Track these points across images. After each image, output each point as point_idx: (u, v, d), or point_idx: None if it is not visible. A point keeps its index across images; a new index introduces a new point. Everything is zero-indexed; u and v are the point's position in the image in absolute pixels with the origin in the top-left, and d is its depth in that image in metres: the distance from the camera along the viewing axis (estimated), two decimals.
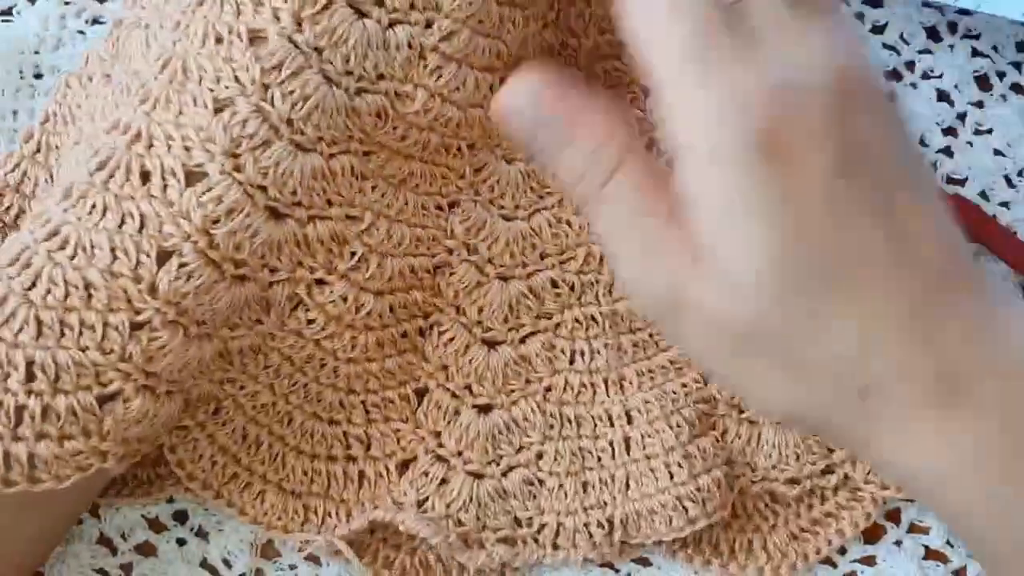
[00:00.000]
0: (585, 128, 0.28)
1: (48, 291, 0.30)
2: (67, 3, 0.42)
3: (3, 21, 0.42)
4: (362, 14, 0.31)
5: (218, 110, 0.30)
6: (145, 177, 0.30)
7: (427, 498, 0.36)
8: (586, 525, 0.36)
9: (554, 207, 0.38)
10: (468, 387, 0.37)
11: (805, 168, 0.26)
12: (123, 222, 0.30)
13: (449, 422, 0.37)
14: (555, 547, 0.37)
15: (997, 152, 0.42)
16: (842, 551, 0.38)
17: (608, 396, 0.37)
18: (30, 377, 0.29)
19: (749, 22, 0.27)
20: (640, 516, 0.36)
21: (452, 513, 0.36)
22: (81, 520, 0.37)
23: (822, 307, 0.26)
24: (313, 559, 0.37)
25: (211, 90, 0.30)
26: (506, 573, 0.37)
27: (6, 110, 0.40)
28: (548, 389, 0.38)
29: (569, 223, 0.38)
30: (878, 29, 0.43)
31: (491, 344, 0.38)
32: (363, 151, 0.33)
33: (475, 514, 0.36)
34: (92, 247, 0.30)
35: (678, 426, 0.37)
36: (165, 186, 0.30)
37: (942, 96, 0.43)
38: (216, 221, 0.30)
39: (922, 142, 0.42)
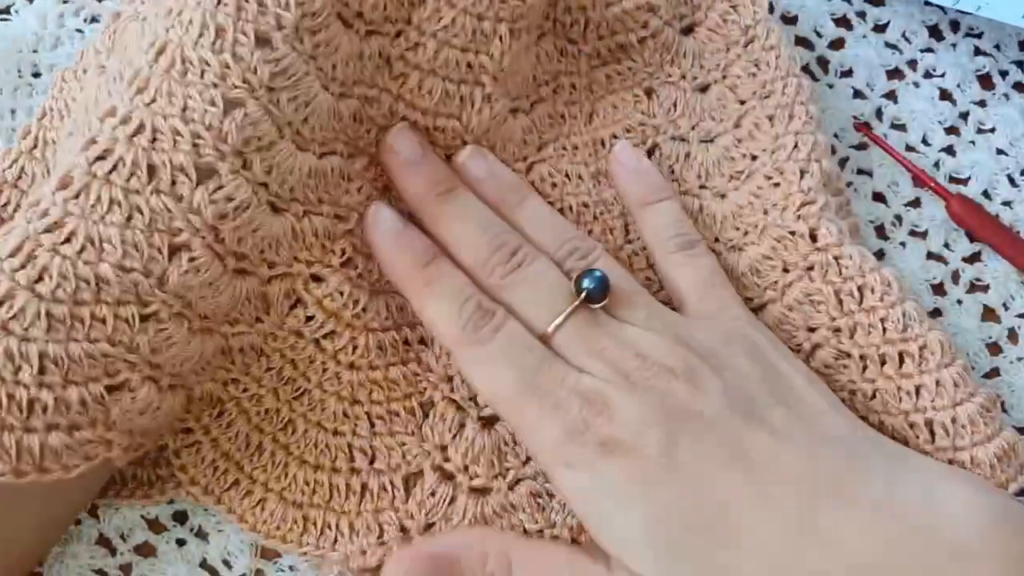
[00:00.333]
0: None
1: (58, 285, 0.30)
2: (65, 2, 0.42)
3: (1, 20, 0.41)
4: (346, 25, 0.33)
5: (228, 109, 0.31)
6: (152, 172, 0.30)
7: (434, 523, 0.36)
8: None
9: (551, 158, 0.39)
10: (473, 398, 0.37)
11: (644, 454, 0.31)
12: (131, 217, 0.30)
13: (455, 436, 0.36)
14: None
15: (999, 151, 0.42)
16: None
17: None
18: (42, 370, 0.29)
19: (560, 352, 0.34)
20: None
21: None
22: (80, 520, 0.37)
23: (716, 562, 0.29)
24: None
25: (216, 86, 0.31)
26: None
27: (4, 109, 0.40)
28: None
29: (580, 176, 0.39)
30: (880, 27, 0.43)
31: None
32: (347, 153, 0.35)
33: None
34: (102, 241, 0.30)
35: None
36: (174, 182, 0.30)
37: (944, 95, 0.43)
38: (224, 217, 0.31)
39: (924, 141, 0.42)
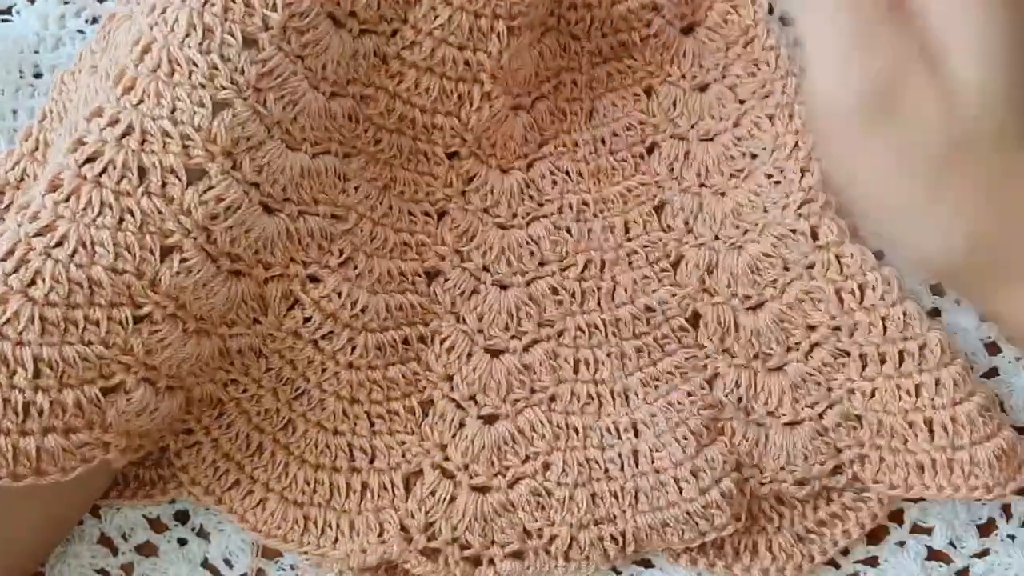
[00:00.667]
0: None
1: (51, 289, 0.30)
2: (66, 2, 0.42)
3: (3, 20, 0.41)
4: (338, 24, 0.33)
5: (216, 110, 0.31)
6: (142, 174, 0.30)
7: (434, 522, 0.36)
8: (600, 539, 0.36)
9: (553, 215, 0.38)
10: (473, 397, 0.37)
11: None
12: (122, 219, 0.30)
13: (454, 434, 0.37)
14: (567, 559, 0.36)
15: None
16: (845, 552, 0.38)
17: (615, 408, 0.37)
18: (37, 374, 0.30)
19: None
20: (652, 529, 0.36)
21: (459, 535, 0.36)
22: (82, 520, 0.37)
23: None
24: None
25: (204, 87, 0.31)
26: None
27: (6, 109, 0.40)
28: (553, 399, 0.37)
29: (569, 231, 0.38)
30: None
31: (493, 353, 0.38)
32: (343, 153, 0.35)
33: (482, 531, 0.36)
34: (93, 244, 0.30)
35: (684, 439, 0.36)
36: (164, 183, 0.31)
37: None
38: (215, 217, 0.31)
39: None
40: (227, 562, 0.37)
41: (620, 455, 0.37)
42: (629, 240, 0.39)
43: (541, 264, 0.38)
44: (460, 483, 0.36)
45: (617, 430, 0.37)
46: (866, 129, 0.27)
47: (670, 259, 0.39)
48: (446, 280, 0.38)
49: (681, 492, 0.36)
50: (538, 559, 0.36)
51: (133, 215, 0.30)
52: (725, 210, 0.38)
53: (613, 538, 0.36)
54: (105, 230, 0.30)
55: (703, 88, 0.40)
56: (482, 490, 0.36)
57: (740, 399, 0.37)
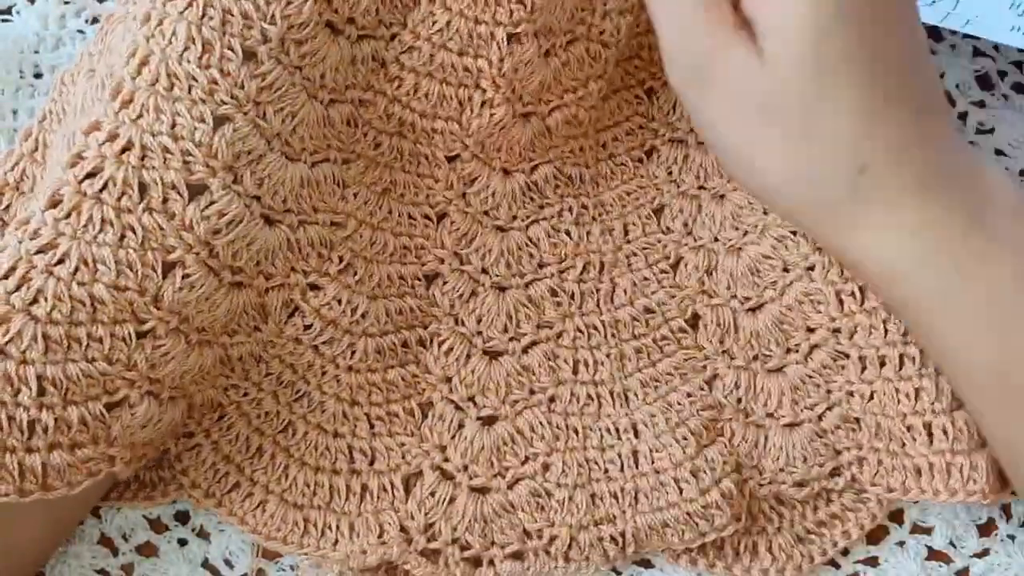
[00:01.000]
0: None
1: (53, 307, 0.30)
2: (67, 2, 0.42)
3: (3, 20, 0.41)
4: (336, 31, 0.33)
5: (217, 125, 0.31)
6: (143, 190, 0.30)
7: (434, 523, 0.36)
8: (599, 540, 0.36)
9: (553, 218, 0.38)
10: (472, 399, 0.37)
11: None
12: (124, 236, 0.30)
13: (454, 436, 0.37)
14: (567, 560, 0.36)
15: (999, 152, 0.42)
16: (845, 552, 0.38)
17: (614, 408, 0.37)
18: (41, 392, 0.30)
19: None
20: (652, 530, 0.36)
21: (459, 536, 0.36)
22: (82, 520, 0.37)
23: (836, 90, 0.31)
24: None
25: (204, 102, 0.30)
26: None
27: (6, 109, 0.40)
28: (552, 400, 0.37)
29: (568, 233, 0.38)
30: None
31: (492, 354, 0.38)
32: (342, 159, 0.35)
33: (481, 532, 0.36)
34: (95, 262, 0.30)
35: (684, 439, 0.36)
36: (165, 199, 0.30)
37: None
38: (217, 232, 0.31)
39: None
40: (227, 563, 0.37)
41: (620, 455, 0.37)
42: (628, 242, 0.39)
43: (540, 266, 0.38)
44: (460, 484, 0.36)
45: (617, 430, 0.37)
46: (697, 96, 0.33)
47: (669, 261, 0.39)
48: (445, 283, 0.38)
49: (681, 492, 0.36)
50: (538, 560, 0.36)
51: (135, 232, 0.30)
52: (724, 212, 0.38)
53: (613, 539, 0.36)
54: (107, 247, 0.30)
55: None
56: (482, 491, 0.36)
57: (739, 400, 0.37)
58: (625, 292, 0.38)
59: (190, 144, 0.30)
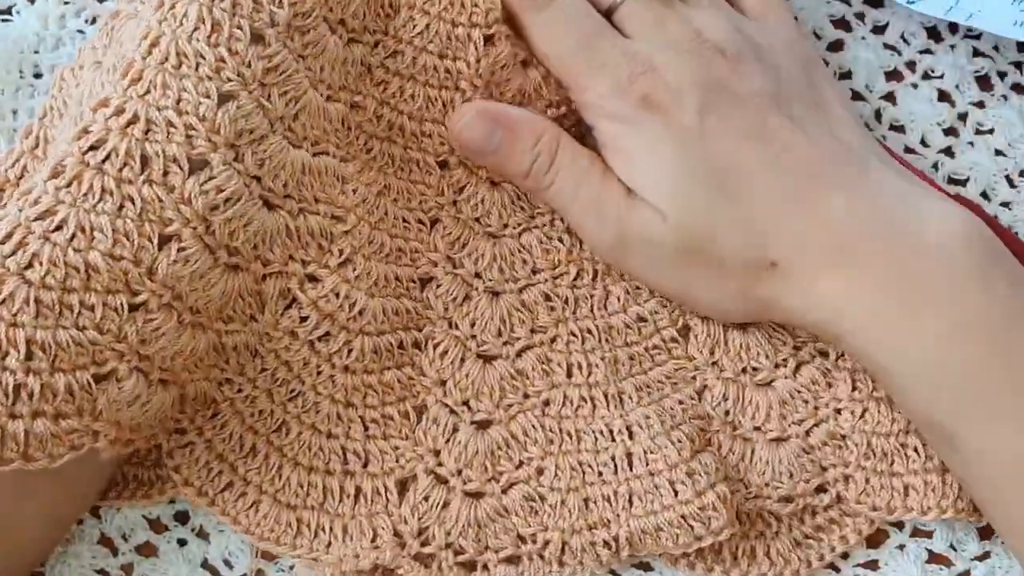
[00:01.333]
0: (525, 127, 0.36)
1: (47, 272, 0.30)
2: (67, 2, 0.42)
3: (2, 20, 0.42)
4: (331, 30, 0.34)
5: (221, 102, 0.31)
6: (145, 162, 0.31)
7: (428, 527, 0.36)
8: (592, 544, 0.36)
9: (545, 226, 0.38)
10: (466, 403, 0.37)
11: (679, 114, 0.35)
12: (122, 206, 0.31)
13: (448, 440, 0.37)
14: (561, 563, 0.36)
15: (998, 152, 0.42)
16: (844, 556, 0.38)
17: (608, 410, 0.37)
18: (29, 356, 0.30)
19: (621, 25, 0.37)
20: (646, 533, 0.36)
21: (453, 540, 0.36)
22: (82, 520, 0.37)
23: (722, 212, 0.35)
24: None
25: (210, 79, 0.31)
26: None
27: (6, 109, 0.40)
28: (546, 403, 0.37)
29: (561, 240, 0.38)
30: (879, 29, 0.43)
31: (486, 358, 0.38)
32: (340, 156, 0.36)
33: (475, 536, 0.36)
34: (92, 230, 0.30)
35: (679, 441, 0.36)
36: (166, 172, 0.31)
37: (943, 96, 0.43)
38: (215, 208, 0.32)
39: (923, 142, 0.42)
40: (227, 563, 0.37)
41: (614, 458, 0.37)
42: None
43: (534, 272, 0.38)
44: (454, 488, 0.36)
45: (611, 432, 0.37)
46: (624, 263, 0.37)
47: None
48: (439, 286, 0.38)
49: (676, 495, 0.36)
50: (532, 564, 0.36)
51: (133, 202, 0.31)
52: None
53: (606, 542, 0.36)
54: (105, 216, 0.30)
55: None
56: (476, 495, 0.36)
57: (727, 412, 0.37)
58: (618, 299, 0.38)
59: (194, 118, 0.31)
